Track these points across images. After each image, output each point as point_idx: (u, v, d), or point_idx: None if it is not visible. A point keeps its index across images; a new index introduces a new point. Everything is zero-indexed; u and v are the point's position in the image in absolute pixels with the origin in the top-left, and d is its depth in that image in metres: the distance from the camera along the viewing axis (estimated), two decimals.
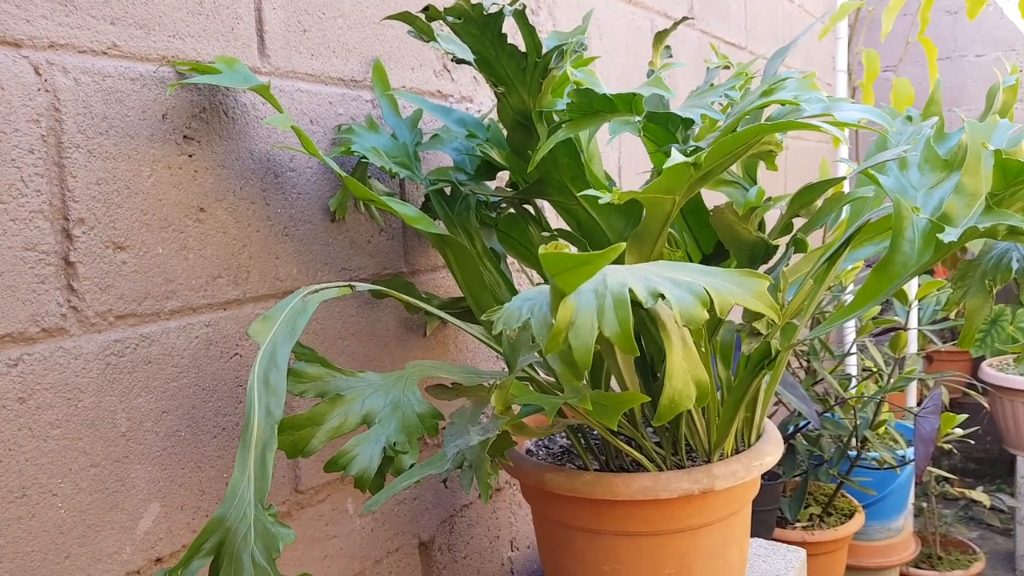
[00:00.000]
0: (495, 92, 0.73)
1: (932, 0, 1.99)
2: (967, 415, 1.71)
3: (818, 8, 2.27)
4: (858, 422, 1.58)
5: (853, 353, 1.83)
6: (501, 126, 0.80)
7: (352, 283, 0.65)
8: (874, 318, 1.65)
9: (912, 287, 1.85)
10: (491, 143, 0.81)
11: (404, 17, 0.72)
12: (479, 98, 1.00)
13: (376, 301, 0.85)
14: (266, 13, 0.72)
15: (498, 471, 0.76)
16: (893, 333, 1.68)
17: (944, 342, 2.31)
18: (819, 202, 0.78)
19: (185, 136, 0.66)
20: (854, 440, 1.60)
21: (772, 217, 1.37)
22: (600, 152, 0.80)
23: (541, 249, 0.47)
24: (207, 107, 0.68)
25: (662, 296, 0.49)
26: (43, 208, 0.57)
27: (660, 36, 0.90)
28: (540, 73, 0.69)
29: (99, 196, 0.60)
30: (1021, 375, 2.13)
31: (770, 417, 0.91)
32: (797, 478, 1.62)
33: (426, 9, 0.68)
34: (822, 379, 1.62)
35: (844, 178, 0.76)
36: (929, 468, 1.87)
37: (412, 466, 0.61)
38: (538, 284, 0.83)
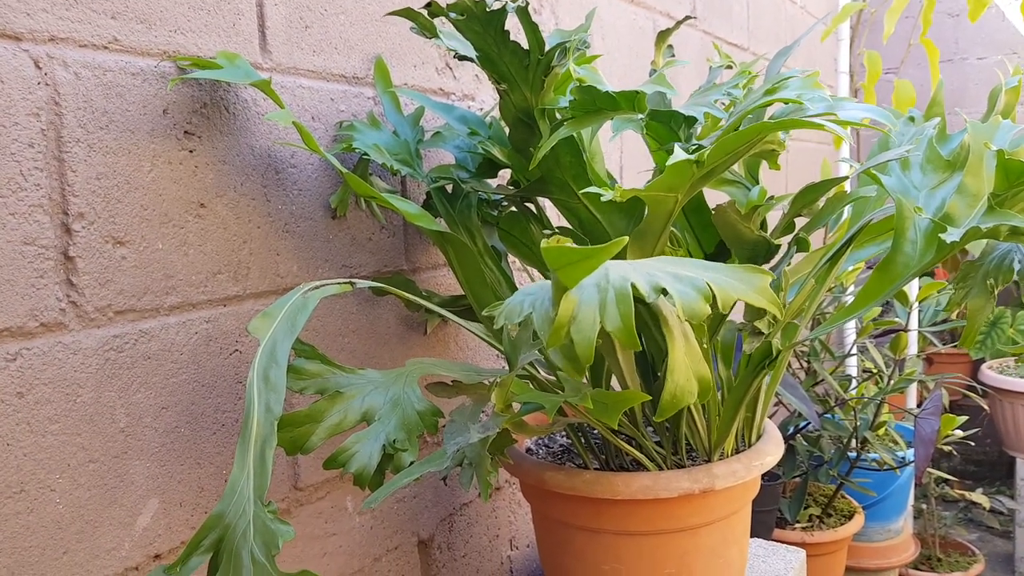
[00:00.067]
0: (497, 89, 0.73)
1: (934, 2, 1.99)
2: (967, 417, 1.71)
3: (820, 10, 2.27)
4: (858, 423, 1.58)
5: (853, 354, 1.83)
6: (503, 124, 0.80)
7: (353, 280, 0.64)
8: (875, 319, 1.65)
9: (913, 289, 1.85)
10: (493, 141, 0.81)
11: (407, 13, 0.71)
12: (481, 96, 1.00)
13: (377, 298, 0.85)
14: (268, 9, 0.72)
15: (498, 469, 0.76)
16: (893, 335, 1.68)
17: (944, 344, 2.31)
18: (821, 202, 0.78)
19: (186, 131, 0.66)
20: (854, 441, 1.60)
21: (773, 218, 1.36)
22: (602, 151, 0.80)
23: (543, 243, 0.47)
24: (208, 102, 0.67)
25: (664, 291, 0.49)
26: (42, 202, 0.57)
27: (663, 35, 0.89)
28: (543, 70, 0.69)
29: (99, 191, 0.60)
30: (1021, 377, 2.13)
31: (770, 418, 0.91)
32: (797, 479, 1.62)
33: (429, 5, 0.68)
34: (822, 380, 1.62)
35: (846, 178, 0.76)
36: (929, 470, 1.87)
37: (412, 464, 0.61)
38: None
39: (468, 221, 0.80)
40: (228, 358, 0.70)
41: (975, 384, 1.77)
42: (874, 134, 2.26)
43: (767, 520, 1.50)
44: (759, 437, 0.80)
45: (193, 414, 0.67)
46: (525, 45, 0.68)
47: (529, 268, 0.98)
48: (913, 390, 2.08)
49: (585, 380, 0.81)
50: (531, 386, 0.74)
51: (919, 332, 1.83)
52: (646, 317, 0.71)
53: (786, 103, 0.63)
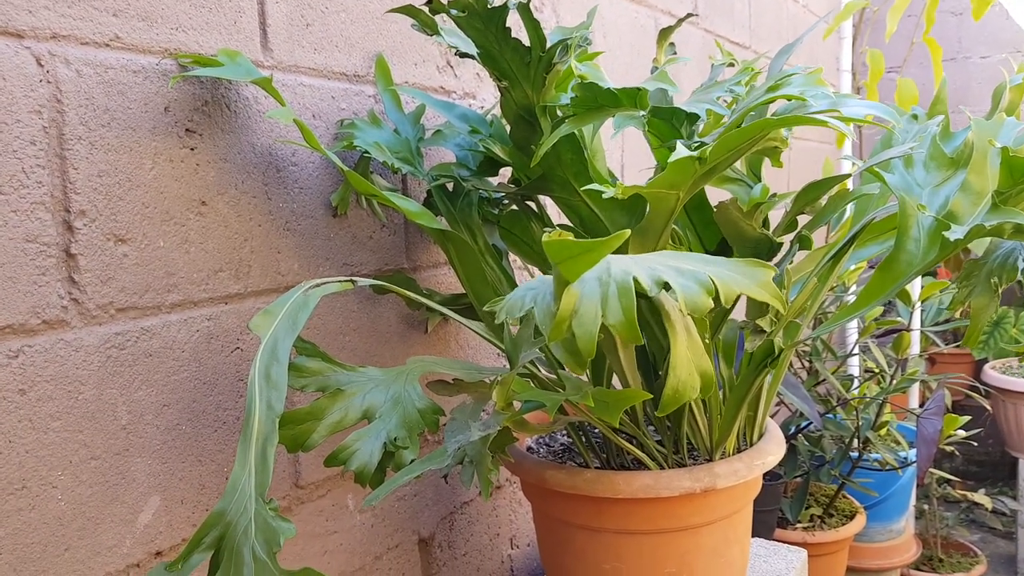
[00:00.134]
0: (498, 87, 0.73)
1: (937, 1, 1.98)
2: (970, 417, 1.71)
3: (822, 8, 2.27)
4: (860, 423, 1.58)
5: (855, 354, 1.83)
6: (504, 121, 0.80)
7: (353, 278, 0.64)
8: (877, 319, 1.65)
9: (915, 288, 1.85)
10: (494, 138, 0.81)
11: (408, 10, 0.71)
12: (482, 95, 1.00)
13: (377, 297, 0.85)
14: (269, 7, 0.72)
15: (499, 468, 0.75)
16: (896, 334, 1.67)
17: (947, 344, 2.30)
18: (823, 200, 0.77)
19: (187, 129, 0.66)
20: (856, 441, 1.59)
21: (775, 216, 1.36)
22: (604, 148, 0.80)
23: (545, 236, 0.47)
24: (209, 100, 0.67)
25: (667, 284, 0.49)
26: (44, 200, 0.57)
27: (664, 33, 0.89)
28: (544, 67, 0.69)
29: (101, 188, 0.60)
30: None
31: (772, 417, 0.91)
32: (798, 479, 1.62)
33: (430, 2, 0.68)
34: (824, 380, 1.62)
35: (849, 175, 0.76)
36: (931, 470, 1.87)
37: (412, 461, 0.61)
38: None
39: (469, 219, 0.80)
40: (229, 356, 0.70)
41: (978, 384, 1.77)
42: (876, 132, 2.25)
43: (768, 520, 1.50)
44: (761, 436, 0.80)
45: (194, 411, 0.67)
46: (526, 42, 0.68)
47: (530, 267, 0.98)
48: (915, 390, 2.08)
49: (586, 378, 0.81)
50: (532, 384, 0.74)
51: (922, 332, 1.83)
52: (647, 315, 0.71)
53: (789, 100, 0.63)
